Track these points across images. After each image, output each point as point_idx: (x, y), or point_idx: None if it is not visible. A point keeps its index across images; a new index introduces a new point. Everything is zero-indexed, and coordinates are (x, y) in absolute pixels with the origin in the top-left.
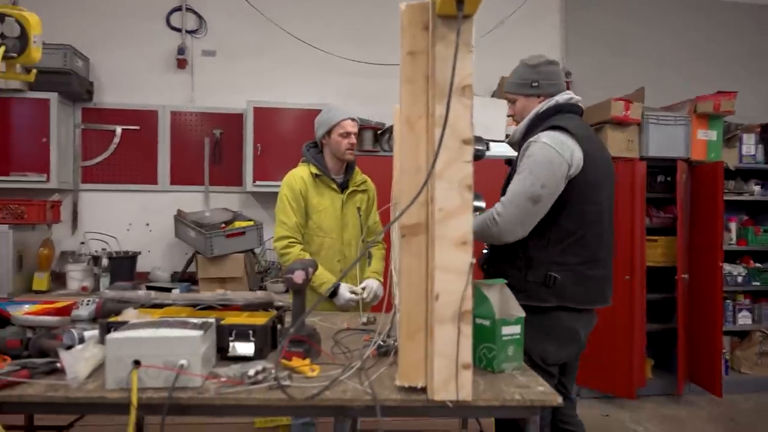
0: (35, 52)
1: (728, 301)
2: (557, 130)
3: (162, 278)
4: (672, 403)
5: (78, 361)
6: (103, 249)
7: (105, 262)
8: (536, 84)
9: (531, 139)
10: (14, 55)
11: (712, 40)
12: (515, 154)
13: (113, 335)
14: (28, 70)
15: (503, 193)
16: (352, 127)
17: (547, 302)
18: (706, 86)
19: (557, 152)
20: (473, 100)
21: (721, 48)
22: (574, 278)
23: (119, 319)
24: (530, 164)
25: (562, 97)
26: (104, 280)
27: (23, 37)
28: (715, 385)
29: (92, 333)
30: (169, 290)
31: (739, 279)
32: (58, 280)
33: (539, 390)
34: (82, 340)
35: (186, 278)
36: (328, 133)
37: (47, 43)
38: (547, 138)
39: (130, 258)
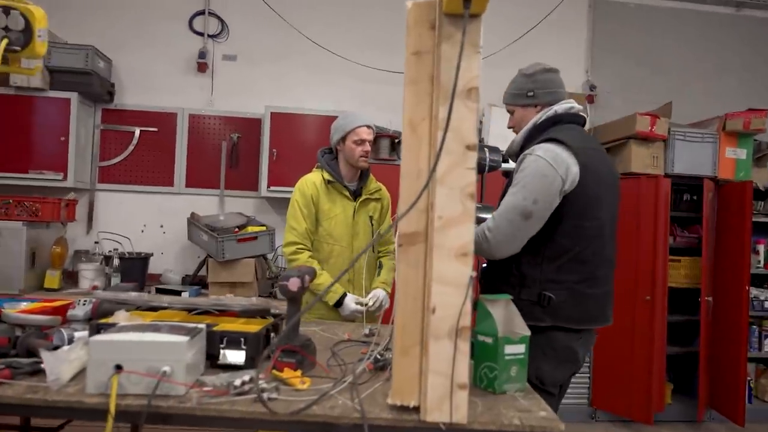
0: (40, 47)
1: (754, 326)
2: (553, 143)
3: (173, 281)
4: (691, 430)
5: (61, 363)
6: (115, 249)
7: (116, 262)
8: (532, 93)
9: (526, 152)
10: (18, 48)
11: (742, 56)
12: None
13: (96, 337)
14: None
15: (499, 206)
16: (367, 135)
17: (542, 322)
18: (735, 103)
19: (551, 166)
20: (479, 103)
21: (751, 64)
22: (571, 297)
23: (110, 320)
24: (523, 178)
25: (561, 107)
26: (115, 281)
27: (27, 31)
28: (737, 413)
29: (82, 334)
30: (179, 293)
31: (766, 304)
32: (71, 278)
33: (541, 415)
34: (72, 341)
35: (197, 282)
36: (343, 139)
37: (70, 44)
38: (541, 151)
39: (142, 259)
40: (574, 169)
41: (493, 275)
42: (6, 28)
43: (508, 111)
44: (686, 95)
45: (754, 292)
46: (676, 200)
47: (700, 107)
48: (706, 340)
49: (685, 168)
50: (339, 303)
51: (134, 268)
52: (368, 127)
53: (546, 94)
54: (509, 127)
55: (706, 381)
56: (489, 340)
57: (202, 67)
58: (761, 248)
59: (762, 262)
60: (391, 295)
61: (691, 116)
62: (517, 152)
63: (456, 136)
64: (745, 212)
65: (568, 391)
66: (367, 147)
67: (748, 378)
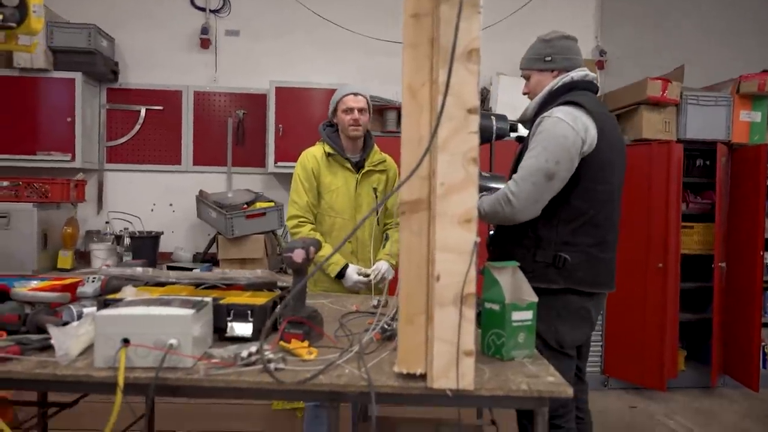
0: (36, 23)
1: (767, 291)
2: (572, 106)
3: (184, 258)
4: (705, 395)
5: (70, 338)
6: (125, 228)
7: (127, 241)
8: (549, 58)
9: (544, 114)
10: (13, 24)
11: (757, 16)
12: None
13: (102, 312)
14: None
15: (513, 170)
16: (354, 102)
17: (556, 284)
18: (750, 65)
19: (571, 128)
20: (480, 65)
21: (766, 24)
22: (586, 260)
23: (118, 296)
24: (543, 140)
25: (577, 74)
26: (127, 259)
27: (22, 7)
28: (751, 378)
29: (91, 310)
30: (190, 270)
31: None
32: (84, 258)
33: (549, 380)
34: (80, 317)
35: (208, 259)
36: (335, 111)
37: (72, 23)
38: (561, 113)
39: (153, 238)
40: (593, 132)
41: (506, 238)
42: (0, 5)
43: (524, 77)
44: (699, 58)
45: (767, 257)
46: (688, 166)
47: (713, 70)
48: (719, 307)
49: (698, 133)
50: (341, 275)
51: (145, 247)
52: (355, 94)
53: (563, 59)
54: (524, 93)
55: (720, 347)
56: (496, 307)
57: (205, 44)
58: None
59: None
60: (397, 267)
61: (704, 80)
62: (531, 118)
63: (457, 100)
64: (759, 176)
65: None
66: (356, 115)
67: (762, 343)
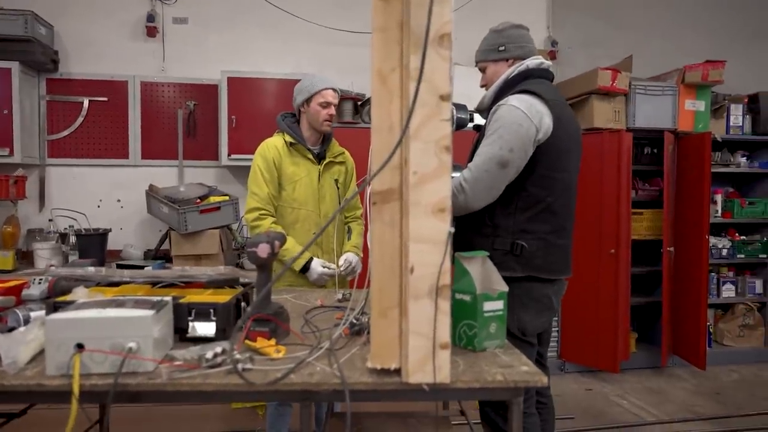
0: None
1: (712, 273)
2: (527, 94)
3: (135, 256)
4: (655, 376)
5: (18, 345)
6: (70, 226)
7: (72, 239)
8: (503, 48)
9: (500, 102)
10: None
11: (702, 9)
12: None
13: (53, 316)
14: None
15: (470, 159)
16: (333, 98)
17: (515, 272)
18: (695, 56)
19: (526, 115)
20: (452, 51)
21: (710, 17)
22: (543, 247)
23: (68, 298)
24: (498, 129)
25: (532, 62)
26: (73, 259)
27: None
28: (698, 357)
29: (39, 314)
30: (141, 268)
31: (724, 252)
32: (26, 259)
33: (523, 370)
34: (28, 322)
35: (160, 256)
36: (308, 101)
37: (6, 9)
38: (516, 101)
39: (100, 235)
40: (547, 120)
41: (466, 227)
42: None
43: (480, 69)
44: (647, 49)
45: (712, 240)
46: (637, 154)
47: (660, 60)
48: (668, 290)
49: (646, 121)
50: (305, 268)
51: (92, 245)
52: (334, 90)
53: (517, 48)
54: (482, 86)
55: (669, 328)
56: (467, 297)
57: (151, 32)
58: (719, 198)
59: (720, 212)
60: (364, 260)
61: (651, 70)
62: (488, 107)
63: (429, 86)
64: (704, 163)
65: None
66: (332, 111)
67: (708, 324)
